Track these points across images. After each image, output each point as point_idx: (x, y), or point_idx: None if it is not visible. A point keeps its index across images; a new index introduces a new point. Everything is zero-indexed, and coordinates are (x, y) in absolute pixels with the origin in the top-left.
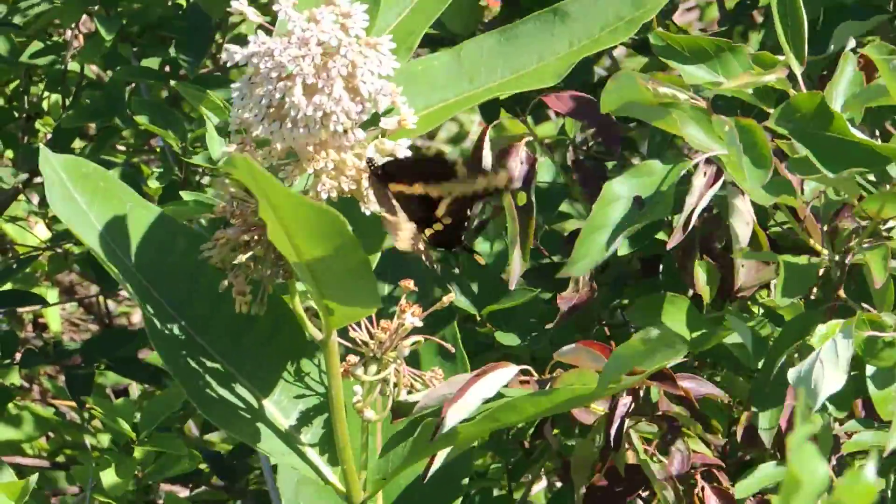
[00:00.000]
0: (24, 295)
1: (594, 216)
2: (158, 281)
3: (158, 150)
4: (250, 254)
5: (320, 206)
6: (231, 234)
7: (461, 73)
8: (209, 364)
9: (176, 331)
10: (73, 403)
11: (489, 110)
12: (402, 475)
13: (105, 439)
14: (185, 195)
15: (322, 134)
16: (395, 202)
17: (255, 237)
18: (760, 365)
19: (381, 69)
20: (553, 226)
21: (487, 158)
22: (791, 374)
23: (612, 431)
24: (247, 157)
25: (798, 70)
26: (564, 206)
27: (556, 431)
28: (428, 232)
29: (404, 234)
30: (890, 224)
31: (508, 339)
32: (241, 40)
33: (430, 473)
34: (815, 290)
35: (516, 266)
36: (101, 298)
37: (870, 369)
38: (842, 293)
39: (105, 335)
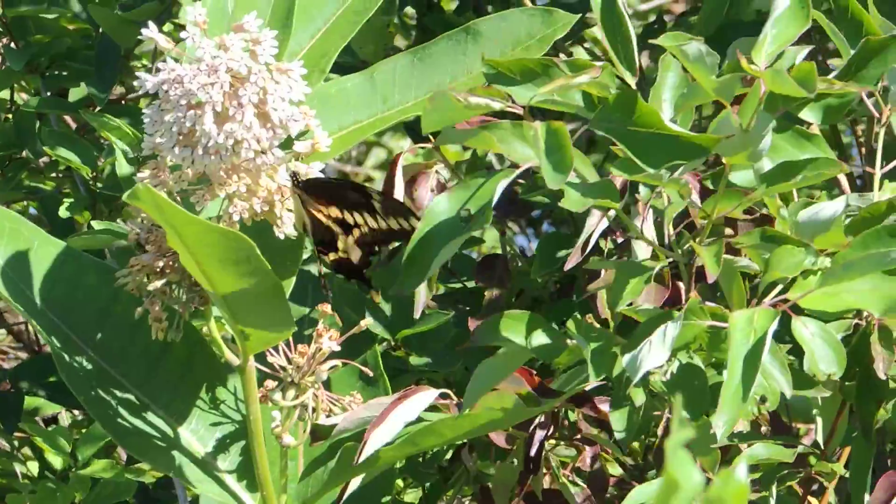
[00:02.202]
0: None
1: (420, 232)
2: (69, 316)
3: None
4: (165, 280)
5: (227, 230)
6: (146, 260)
7: (374, 94)
8: (123, 395)
9: (86, 363)
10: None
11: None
12: (322, 500)
13: (34, 467)
14: (96, 224)
15: (234, 159)
16: (307, 216)
17: (170, 263)
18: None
19: (292, 95)
20: (466, 250)
21: (399, 188)
22: (625, 357)
23: (531, 455)
24: (149, 188)
25: (631, 81)
26: (477, 233)
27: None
28: (332, 256)
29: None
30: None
31: (422, 362)
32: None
33: (345, 496)
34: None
35: (422, 295)
36: (30, 326)
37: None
38: (694, 294)
39: (35, 361)
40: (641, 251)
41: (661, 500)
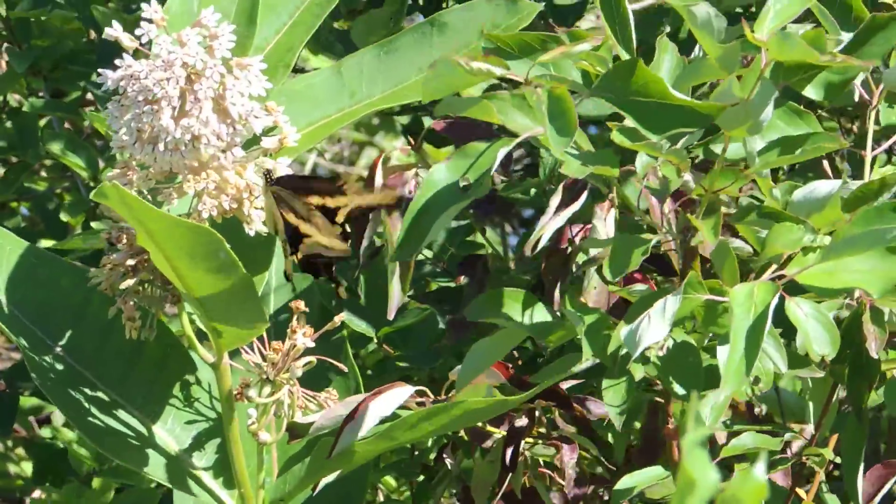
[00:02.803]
0: None
1: (417, 201)
2: (42, 319)
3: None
4: (137, 278)
5: (195, 225)
6: (117, 259)
7: (342, 88)
8: (96, 395)
9: (58, 365)
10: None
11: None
12: (300, 495)
13: (28, 468)
14: (95, 226)
15: (200, 155)
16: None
17: (142, 261)
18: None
19: (251, 90)
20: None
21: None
22: (623, 331)
23: (508, 452)
24: (116, 184)
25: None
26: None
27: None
28: (299, 256)
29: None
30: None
31: (403, 358)
32: None
33: (317, 490)
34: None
35: (395, 295)
36: None
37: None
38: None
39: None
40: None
41: (678, 499)
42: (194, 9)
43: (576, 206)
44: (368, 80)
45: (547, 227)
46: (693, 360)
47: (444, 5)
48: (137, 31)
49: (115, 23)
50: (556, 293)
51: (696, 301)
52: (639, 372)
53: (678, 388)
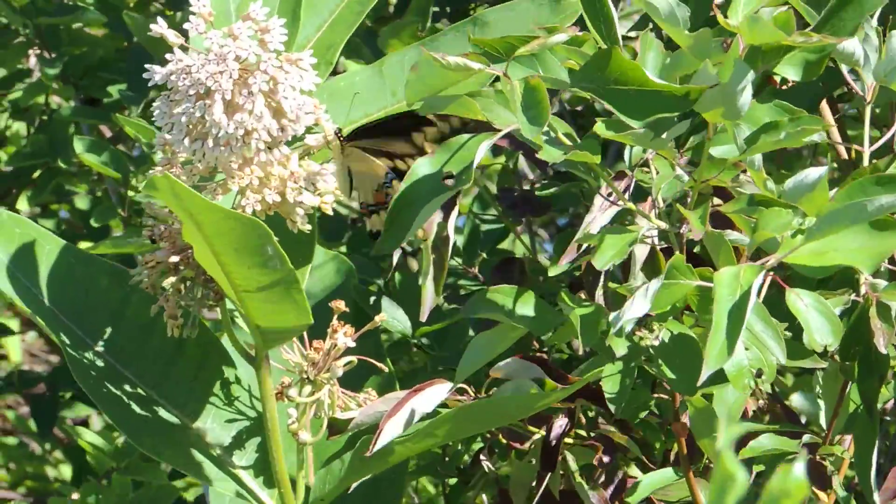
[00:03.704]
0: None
1: (401, 193)
2: (81, 318)
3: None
4: (180, 276)
5: (245, 217)
6: (160, 256)
7: (383, 87)
8: (136, 393)
9: (99, 363)
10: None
11: None
12: (339, 494)
13: (67, 471)
14: (127, 232)
15: (247, 151)
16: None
17: (185, 259)
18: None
19: (302, 84)
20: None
21: None
22: (611, 315)
23: (549, 452)
24: (168, 175)
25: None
26: (507, 244)
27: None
28: (375, 219)
29: (370, 187)
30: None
31: (441, 359)
32: None
33: (354, 486)
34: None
35: (428, 297)
36: None
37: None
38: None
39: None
40: (639, 252)
41: (715, 498)
42: (231, 9)
43: (619, 205)
44: None
45: (591, 225)
46: (691, 351)
47: (471, 12)
48: (185, 26)
49: (160, 19)
50: (599, 292)
51: (685, 287)
52: (620, 348)
53: (672, 375)
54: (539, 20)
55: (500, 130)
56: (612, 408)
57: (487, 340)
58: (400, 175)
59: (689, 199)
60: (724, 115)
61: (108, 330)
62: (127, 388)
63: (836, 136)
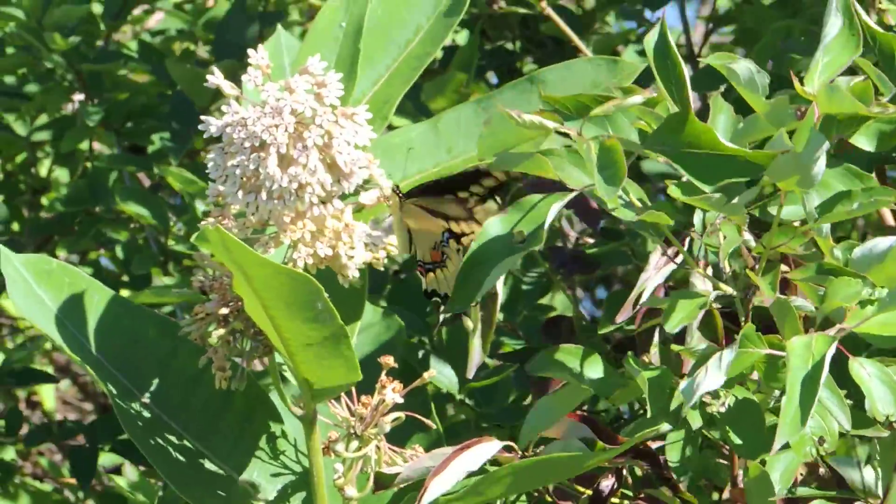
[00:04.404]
0: (34, 373)
1: (473, 253)
2: (127, 367)
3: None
4: (229, 328)
5: (296, 272)
6: (210, 307)
7: (439, 143)
8: (182, 444)
9: (145, 413)
10: (71, 481)
11: None
12: None
13: None
14: (167, 281)
15: (300, 204)
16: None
17: (234, 311)
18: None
19: (357, 139)
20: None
21: None
22: (682, 384)
23: None
24: (219, 227)
25: None
26: (547, 300)
27: None
28: (430, 277)
29: (428, 245)
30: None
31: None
32: None
33: None
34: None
35: (476, 355)
36: None
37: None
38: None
39: (109, 417)
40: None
41: None
42: (285, 63)
43: (674, 264)
44: (466, 134)
45: (647, 284)
46: (756, 417)
47: (517, 65)
48: (244, 78)
49: (216, 69)
50: (654, 353)
51: (755, 355)
52: (696, 420)
53: (738, 441)
54: (596, 80)
55: (571, 190)
56: (676, 476)
57: (551, 404)
58: (454, 236)
59: (756, 266)
60: (799, 183)
61: (156, 381)
62: (173, 439)
63: None
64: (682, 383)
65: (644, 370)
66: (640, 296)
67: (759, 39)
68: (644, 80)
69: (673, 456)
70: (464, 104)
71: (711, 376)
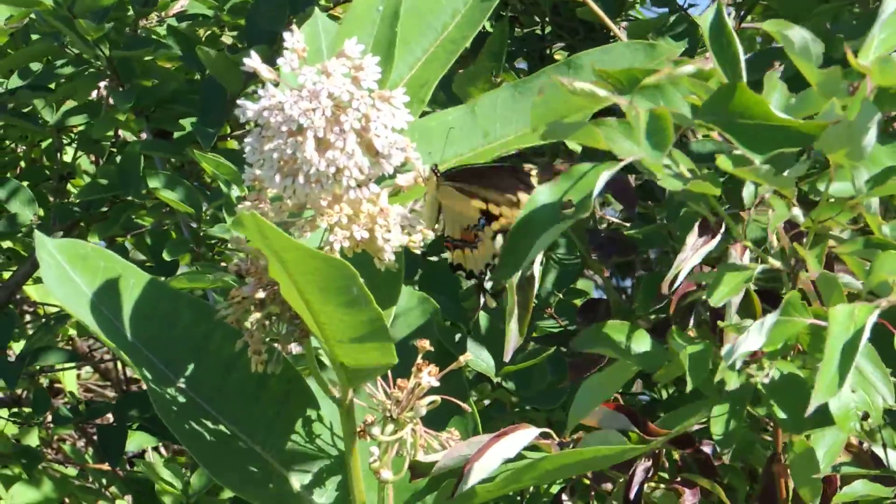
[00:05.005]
0: (58, 352)
1: (520, 221)
2: (163, 352)
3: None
4: (265, 311)
5: (330, 257)
6: (246, 291)
7: (475, 127)
8: (218, 429)
9: (181, 398)
10: (95, 466)
11: None
12: None
13: None
14: (200, 266)
15: (338, 188)
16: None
17: (270, 295)
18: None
19: (394, 122)
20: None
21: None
22: (724, 348)
23: (631, 496)
24: (254, 213)
25: None
26: (581, 284)
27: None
28: (457, 254)
29: (458, 224)
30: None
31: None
32: None
33: None
34: None
35: (513, 338)
36: (119, 364)
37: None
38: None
39: (137, 395)
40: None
41: None
42: (322, 47)
43: (711, 245)
44: (502, 119)
45: (684, 265)
46: (800, 390)
47: (547, 52)
48: (279, 61)
49: (253, 53)
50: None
51: (799, 324)
52: (733, 380)
53: (783, 415)
54: (633, 64)
55: (620, 160)
56: (720, 448)
57: (599, 383)
58: (490, 219)
59: (804, 239)
60: (848, 154)
61: (191, 365)
62: (209, 423)
63: None
64: (724, 348)
65: (688, 344)
66: (676, 277)
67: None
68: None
69: (717, 429)
70: (500, 88)
71: (752, 338)
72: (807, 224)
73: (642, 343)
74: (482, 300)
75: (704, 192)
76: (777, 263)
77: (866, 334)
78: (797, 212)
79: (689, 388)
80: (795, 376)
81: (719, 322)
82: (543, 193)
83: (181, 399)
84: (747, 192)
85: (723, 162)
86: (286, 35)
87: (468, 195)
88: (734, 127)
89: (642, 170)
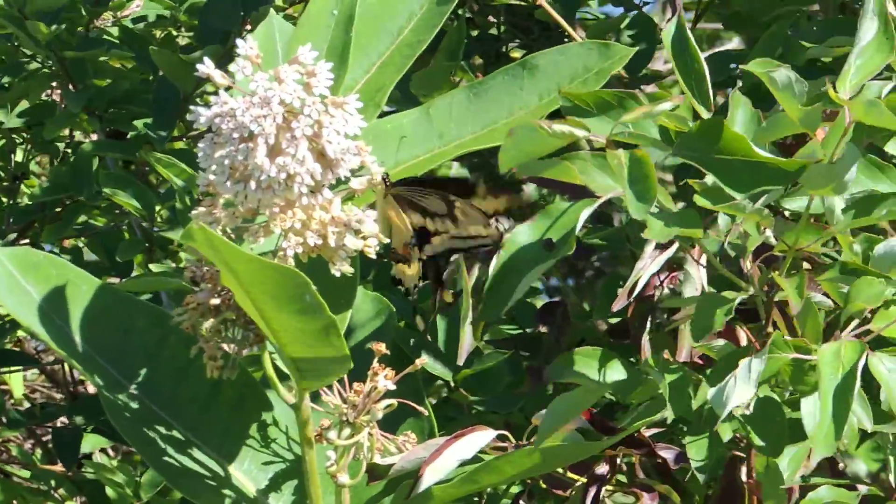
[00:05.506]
0: (11, 354)
1: (503, 262)
2: (117, 359)
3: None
4: (220, 318)
5: (282, 267)
6: (201, 298)
7: (431, 129)
8: (172, 435)
9: (134, 405)
10: (44, 467)
11: None
12: None
13: None
14: (153, 268)
15: (290, 194)
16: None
17: (225, 301)
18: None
19: (347, 129)
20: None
21: None
22: (710, 391)
23: (588, 500)
24: (203, 226)
25: (707, 116)
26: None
27: None
28: (401, 268)
29: (401, 238)
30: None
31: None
32: None
33: None
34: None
35: (466, 340)
36: (66, 366)
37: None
38: (770, 329)
39: (92, 398)
40: (691, 291)
41: None
42: (277, 49)
43: (669, 252)
44: (458, 121)
45: (643, 272)
46: (778, 416)
47: (504, 49)
48: (232, 68)
49: (206, 59)
50: (645, 340)
51: (782, 360)
52: (727, 433)
53: (760, 442)
54: (588, 65)
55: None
56: (698, 475)
57: (568, 402)
58: (421, 237)
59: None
60: (834, 190)
61: (145, 371)
62: (163, 430)
63: None
64: (711, 391)
65: (665, 372)
66: (635, 284)
67: (748, 24)
68: (633, 64)
69: (697, 454)
70: (456, 90)
71: (741, 388)
72: (781, 248)
73: (615, 371)
74: (437, 303)
75: (691, 237)
76: (751, 290)
77: (858, 377)
78: (769, 233)
79: (669, 418)
80: (772, 401)
81: (695, 344)
82: (523, 233)
83: (134, 405)
84: (722, 220)
85: (700, 200)
86: (239, 42)
87: (410, 206)
88: (714, 164)
89: (619, 205)
